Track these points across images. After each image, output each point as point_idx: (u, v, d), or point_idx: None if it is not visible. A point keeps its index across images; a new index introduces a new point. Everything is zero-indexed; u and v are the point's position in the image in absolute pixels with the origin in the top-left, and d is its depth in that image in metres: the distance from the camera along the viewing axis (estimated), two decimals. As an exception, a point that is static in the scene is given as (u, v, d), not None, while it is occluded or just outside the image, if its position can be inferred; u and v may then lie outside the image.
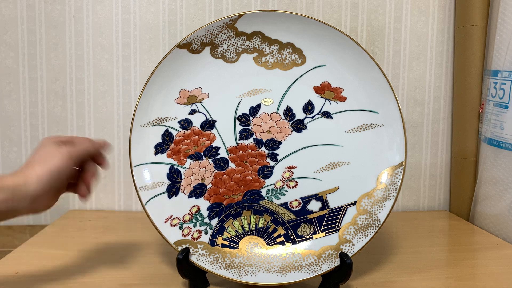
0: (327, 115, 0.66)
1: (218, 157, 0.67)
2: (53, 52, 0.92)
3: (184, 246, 0.64)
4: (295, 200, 0.66)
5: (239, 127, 0.67)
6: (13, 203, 0.52)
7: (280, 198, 0.66)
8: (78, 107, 0.94)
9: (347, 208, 0.65)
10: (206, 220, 0.66)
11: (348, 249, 0.63)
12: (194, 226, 0.65)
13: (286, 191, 0.66)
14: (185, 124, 0.67)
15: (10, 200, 0.52)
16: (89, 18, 0.92)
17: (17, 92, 0.93)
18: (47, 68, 0.93)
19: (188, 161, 0.67)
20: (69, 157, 0.56)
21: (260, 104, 0.67)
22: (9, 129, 0.93)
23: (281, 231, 0.66)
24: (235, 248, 0.65)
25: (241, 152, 0.67)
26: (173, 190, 0.66)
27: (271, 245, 0.66)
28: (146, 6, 0.93)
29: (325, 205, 0.66)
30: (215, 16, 0.94)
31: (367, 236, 0.63)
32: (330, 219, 0.65)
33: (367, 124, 0.66)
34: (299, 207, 0.66)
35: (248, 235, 0.66)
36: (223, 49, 0.66)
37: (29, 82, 0.93)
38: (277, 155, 0.66)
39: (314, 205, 0.66)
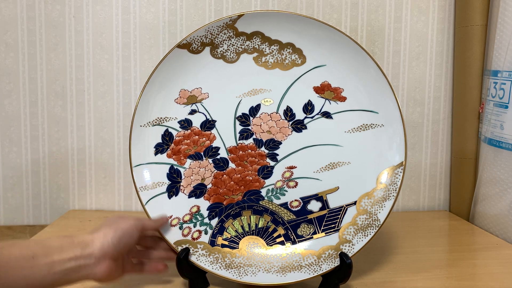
0: (327, 115, 0.66)
1: (218, 157, 0.67)
2: (53, 52, 0.92)
3: (184, 246, 0.64)
4: (295, 200, 0.66)
5: (239, 127, 0.67)
6: (81, 261, 0.53)
7: (280, 198, 0.66)
8: (78, 107, 0.94)
9: (347, 208, 0.65)
10: (206, 220, 0.66)
11: (348, 249, 0.63)
12: (194, 226, 0.65)
13: (286, 191, 0.66)
14: (185, 124, 0.67)
15: (78, 258, 0.53)
16: (89, 18, 0.92)
17: (17, 92, 0.93)
18: (47, 68, 0.93)
19: (188, 161, 0.67)
20: (134, 225, 0.58)
21: (260, 104, 0.67)
22: (9, 129, 0.93)
23: (281, 231, 0.66)
24: (235, 248, 0.65)
25: (241, 152, 0.67)
26: (173, 190, 0.66)
27: (271, 245, 0.66)
28: (146, 6, 0.93)
29: (325, 205, 0.66)
30: (215, 16, 0.94)
31: (367, 236, 0.63)
32: (330, 219, 0.65)
33: (367, 124, 0.66)
34: (299, 207, 0.66)
35: (248, 235, 0.66)
36: (223, 49, 0.66)
37: (29, 82, 0.93)
38: (277, 155, 0.66)
39: (314, 205, 0.66)
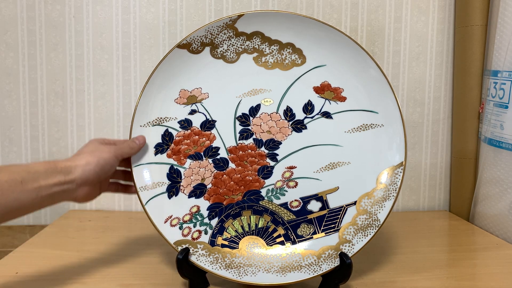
0: (327, 115, 0.66)
1: (218, 157, 0.67)
2: (53, 52, 0.93)
3: (184, 246, 0.64)
4: (295, 200, 0.66)
5: (239, 127, 0.67)
6: (64, 187, 0.57)
7: (280, 198, 0.66)
8: (78, 107, 0.94)
9: (347, 208, 0.65)
10: (206, 220, 0.66)
11: (348, 249, 0.63)
12: (194, 226, 0.65)
13: (286, 191, 0.66)
14: (185, 124, 0.67)
15: (62, 184, 0.57)
16: (89, 18, 0.92)
17: (17, 92, 0.93)
18: (47, 68, 0.93)
19: (188, 161, 0.67)
20: (114, 155, 0.61)
21: (260, 104, 0.67)
22: (9, 129, 0.93)
23: (281, 231, 0.66)
24: (235, 248, 0.65)
25: (241, 152, 0.67)
26: (173, 190, 0.66)
27: (271, 245, 0.66)
28: (146, 6, 0.93)
29: (325, 205, 0.66)
30: (215, 16, 0.94)
31: (367, 236, 0.63)
32: (330, 219, 0.65)
33: (367, 124, 0.66)
34: (299, 207, 0.66)
35: (248, 235, 0.66)
36: (223, 49, 0.66)
37: (29, 82, 0.93)
38: (277, 155, 0.66)
39: (314, 205, 0.66)
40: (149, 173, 0.66)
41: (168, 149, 0.67)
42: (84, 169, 0.58)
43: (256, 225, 0.66)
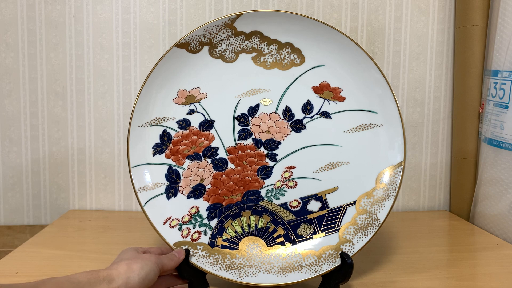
0: (326, 115, 0.66)
1: (217, 157, 0.66)
2: (53, 52, 0.93)
3: (183, 248, 0.64)
4: (295, 200, 0.66)
5: (238, 127, 0.67)
6: None
7: (279, 199, 0.66)
8: (78, 107, 0.94)
9: (346, 208, 0.65)
10: (206, 221, 0.66)
11: (348, 249, 0.63)
12: (194, 227, 0.65)
13: (286, 191, 0.66)
14: (184, 124, 0.67)
15: None
16: (89, 18, 0.92)
17: (17, 92, 0.93)
18: (47, 68, 0.93)
19: (187, 161, 0.67)
20: (155, 262, 0.58)
21: (259, 104, 0.67)
22: (9, 129, 0.93)
23: (281, 231, 0.66)
24: (235, 249, 0.65)
25: (240, 152, 0.66)
26: (171, 191, 0.66)
27: (271, 246, 0.65)
28: (146, 6, 0.93)
29: (324, 205, 0.66)
30: (215, 16, 0.93)
31: (367, 236, 0.63)
32: (330, 219, 0.65)
33: (366, 124, 0.66)
34: (299, 207, 0.66)
35: (248, 235, 0.66)
36: (222, 48, 0.66)
37: (29, 82, 0.93)
38: (276, 155, 0.66)
39: (314, 205, 0.66)
40: (148, 174, 0.66)
41: (167, 150, 0.67)
42: (127, 275, 0.55)
43: (256, 225, 0.66)
